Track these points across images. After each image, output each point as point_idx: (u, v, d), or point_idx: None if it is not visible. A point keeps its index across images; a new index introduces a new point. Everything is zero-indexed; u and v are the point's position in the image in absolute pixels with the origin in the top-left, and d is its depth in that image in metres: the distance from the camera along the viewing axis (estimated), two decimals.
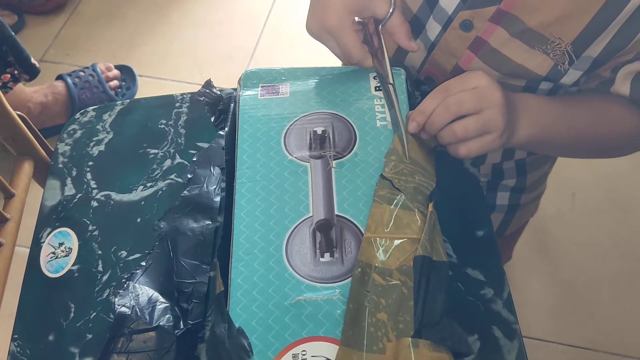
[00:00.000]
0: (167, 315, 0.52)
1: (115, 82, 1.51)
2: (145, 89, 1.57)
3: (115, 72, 1.53)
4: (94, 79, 1.48)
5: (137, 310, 0.52)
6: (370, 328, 0.49)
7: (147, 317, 0.52)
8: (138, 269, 0.57)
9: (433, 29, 0.69)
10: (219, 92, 0.72)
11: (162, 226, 0.61)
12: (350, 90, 0.66)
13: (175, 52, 1.68)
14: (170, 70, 1.63)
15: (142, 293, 0.54)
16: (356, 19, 0.63)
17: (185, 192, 0.63)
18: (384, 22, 0.64)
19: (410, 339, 0.47)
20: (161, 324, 0.52)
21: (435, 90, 0.60)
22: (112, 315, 0.56)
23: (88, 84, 1.47)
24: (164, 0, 1.80)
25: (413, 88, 0.67)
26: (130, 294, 0.54)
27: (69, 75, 1.48)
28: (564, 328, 1.26)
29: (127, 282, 0.56)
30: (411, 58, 0.75)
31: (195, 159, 0.66)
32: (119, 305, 0.54)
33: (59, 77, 1.48)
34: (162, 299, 0.53)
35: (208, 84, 0.73)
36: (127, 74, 1.57)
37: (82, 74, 1.48)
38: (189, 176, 0.64)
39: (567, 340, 1.24)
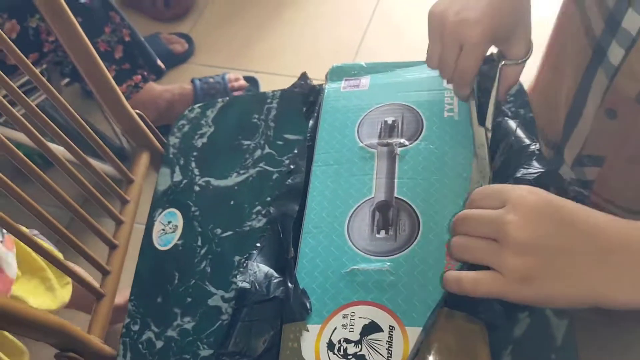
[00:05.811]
0: (281, 288, 0.57)
1: (239, 93, 1.63)
2: (261, 85, 1.69)
3: (242, 82, 1.65)
4: (221, 86, 1.62)
5: (256, 284, 0.58)
6: None
7: (265, 290, 0.58)
8: (254, 251, 0.63)
9: (616, 54, 0.61)
10: (313, 84, 0.78)
11: (272, 211, 0.66)
12: (423, 83, 0.69)
13: (287, 49, 1.78)
14: (281, 65, 1.73)
15: (259, 270, 0.60)
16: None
17: (289, 180, 0.68)
18: (510, 63, 0.62)
19: (445, 309, 0.51)
20: (277, 295, 0.57)
21: None
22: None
23: (214, 90, 1.61)
24: (279, 1, 1.92)
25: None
26: (249, 272, 0.60)
27: (200, 80, 1.62)
28: None
29: (246, 261, 0.62)
30: (593, 91, 0.67)
31: (296, 151, 0.71)
32: (240, 280, 0.60)
33: (192, 81, 1.63)
34: (276, 275, 0.59)
35: (304, 77, 0.78)
36: (252, 85, 1.68)
37: (211, 80, 1.63)
38: (292, 167, 0.69)
39: None
